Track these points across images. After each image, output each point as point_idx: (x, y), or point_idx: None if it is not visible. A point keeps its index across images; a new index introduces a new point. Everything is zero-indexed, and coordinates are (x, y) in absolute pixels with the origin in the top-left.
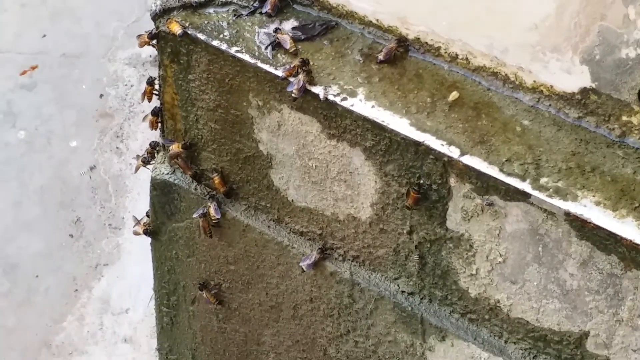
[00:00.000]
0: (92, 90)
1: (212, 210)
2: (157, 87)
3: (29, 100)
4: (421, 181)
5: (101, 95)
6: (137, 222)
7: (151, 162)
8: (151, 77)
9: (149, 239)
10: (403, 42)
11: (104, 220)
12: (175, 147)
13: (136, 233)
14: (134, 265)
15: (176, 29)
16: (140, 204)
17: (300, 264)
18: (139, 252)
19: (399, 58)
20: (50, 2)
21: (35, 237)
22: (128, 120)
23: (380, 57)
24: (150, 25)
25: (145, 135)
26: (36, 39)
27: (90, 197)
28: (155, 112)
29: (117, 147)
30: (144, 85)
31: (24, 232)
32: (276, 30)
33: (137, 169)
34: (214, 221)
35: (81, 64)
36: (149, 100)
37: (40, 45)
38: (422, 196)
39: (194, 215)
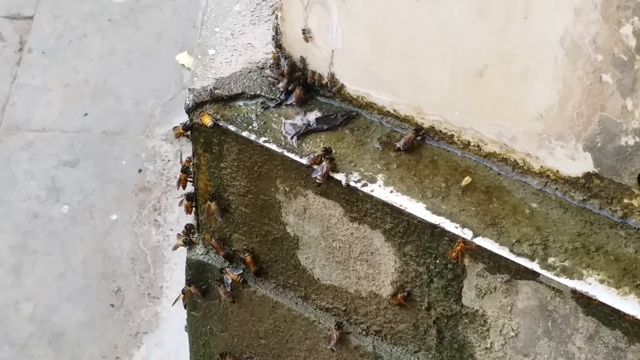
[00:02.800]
0: (131, 166)
1: (232, 274)
2: (191, 174)
3: (72, 176)
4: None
5: (140, 170)
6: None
7: (187, 243)
8: (184, 165)
9: (185, 310)
10: (419, 132)
11: (143, 290)
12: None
13: None
14: (172, 333)
15: (207, 121)
16: (177, 273)
17: (328, 347)
18: (176, 320)
19: (415, 146)
20: (92, 82)
21: (78, 307)
22: (165, 194)
23: (399, 145)
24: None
25: (182, 208)
26: (78, 117)
27: (130, 268)
28: (190, 197)
29: (155, 220)
30: (180, 160)
31: (68, 303)
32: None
33: (175, 247)
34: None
35: (121, 140)
36: (184, 187)
37: (82, 123)
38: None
39: (222, 291)
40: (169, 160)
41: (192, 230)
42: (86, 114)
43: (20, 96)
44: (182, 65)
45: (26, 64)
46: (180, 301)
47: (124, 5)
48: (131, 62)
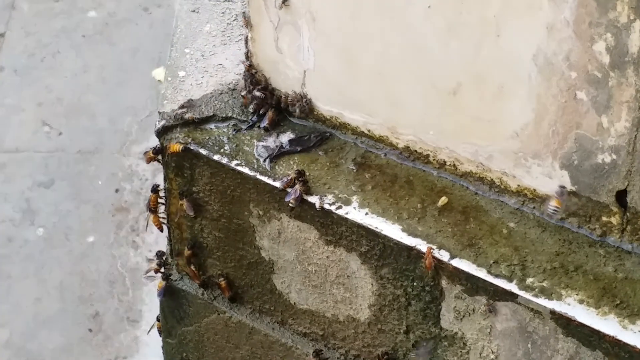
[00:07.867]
0: (108, 186)
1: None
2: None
3: (47, 198)
4: None
5: (117, 190)
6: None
7: (162, 270)
8: (155, 185)
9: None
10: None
11: (121, 314)
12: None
13: None
14: (152, 358)
15: (176, 149)
16: (157, 296)
17: None
18: (156, 345)
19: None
20: (65, 100)
21: (55, 333)
22: (143, 214)
23: None
24: None
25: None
26: (52, 136)
27: (108, 291)
28: (153, 210)
29: (134, 241)
30: (158, 179)
31: (45, 328)
32: None
33: (147, 272)
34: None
35: (96, 159)
36: (154, 208)
37: (57, 143)
38: None
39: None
40: (146, 180)
41: (163, 257)
42: (60, 133)
43: None
44: (159, 81)
45: None
46: (155, 329)
47: (98, 20)
48: (106, 79)
